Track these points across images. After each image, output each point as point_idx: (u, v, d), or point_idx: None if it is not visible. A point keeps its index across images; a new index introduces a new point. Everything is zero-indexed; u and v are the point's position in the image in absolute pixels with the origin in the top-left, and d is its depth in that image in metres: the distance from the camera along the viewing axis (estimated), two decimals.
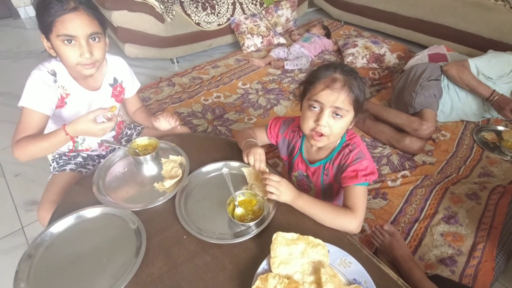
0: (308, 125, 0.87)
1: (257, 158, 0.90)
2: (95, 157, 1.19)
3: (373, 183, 1.51)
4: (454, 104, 1.80)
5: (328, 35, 2.76)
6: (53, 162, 1.14)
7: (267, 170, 0.92)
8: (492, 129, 1.85)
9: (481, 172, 1.60)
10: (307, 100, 0.87)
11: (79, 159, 1.15)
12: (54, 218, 0.84)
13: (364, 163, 0.86)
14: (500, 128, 1.83)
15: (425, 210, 1.39)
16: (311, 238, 0.78)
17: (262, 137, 1.07)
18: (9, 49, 2.92)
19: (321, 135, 0.85)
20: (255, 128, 1.09)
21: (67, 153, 1.15)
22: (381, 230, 1.17)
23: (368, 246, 1.22)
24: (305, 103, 0.88)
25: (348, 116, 0.85)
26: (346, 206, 0.85)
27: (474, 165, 1.65)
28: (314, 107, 0.85)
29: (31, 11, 3.54)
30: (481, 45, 2.39)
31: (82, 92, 1.04)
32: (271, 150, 1.65)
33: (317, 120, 0.84)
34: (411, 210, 1.39)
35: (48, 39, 0.91)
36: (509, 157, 1.68)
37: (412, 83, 1.77)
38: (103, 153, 1.20)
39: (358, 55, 2.38)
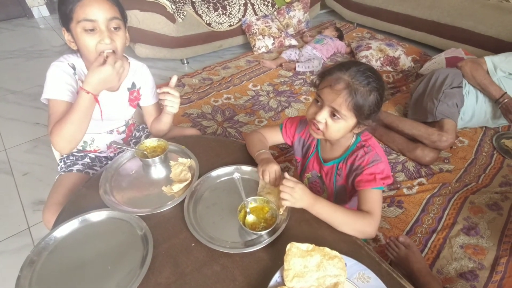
0: (309, 114, 0.86)
1: (273, 177, 0.86)
2: (103, 159, 1.16)
3: (388, 190, 1.46)
4: (475, 111, 1.73)
5: (341, 37, 2.71)
6: (60, 162, 1.11)
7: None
8: None
9: (503, 181, 1.53)
10: (315, 92, 0.85)
11: (87, 159, 1.12)
12: (59, 222, 0.81)
13: (380, 166, 0.82)
14: None
15: (443, 220, 1.33)
16: (327, 249, 0.73)
17: (276, 138, 1.03)
18: (22, 48, 2.95)
19: (318, 128, 0.83)
20: (266, 129, 1.05)
21: (74, 153, 1.12)
22: (396, 242, 1.11)
23: (382, 258, 1.17)
24: (315, 93, 0.86)
25: (348, 121, 0.80)
26: (362, 210, 0.81)
27: (494, 173, 1.57)
28: (317, 101, 0.83)
29: (44, 11, 3.58)
30: (500, 48, 2.30)
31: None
32: (282, 154, 1.60)
33: (316, 114, 0.81)
34: (428, 220, 1.33)
35: (68, 30, 0.89)
36: None
37: (434, 89, 1.70)
38: (111, 155, 1.17)
39: (372, 57, 2.32)
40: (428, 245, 1.23)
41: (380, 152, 0.86)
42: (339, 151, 0.92)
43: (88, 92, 0.86)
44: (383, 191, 1.45)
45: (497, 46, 2.33)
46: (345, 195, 0.96)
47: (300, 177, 1.09)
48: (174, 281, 0.71)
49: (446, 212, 1.36)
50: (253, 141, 1.00)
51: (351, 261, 0.73)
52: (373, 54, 2.32)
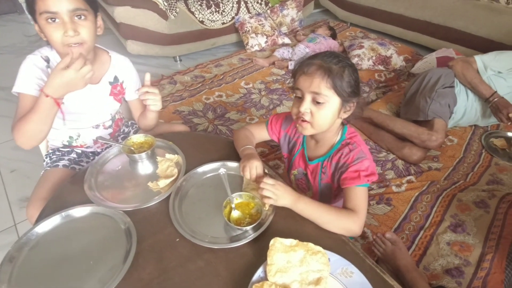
0: (293, 111, 0.86)
1: (253, 173, 0.85)
2: (90, 154, 1.15)
3: (377, 187, 1.46)
4: (466, 109, 1.75)
5: (334, 36, 2.72)
6: (46, 158, 1.10)
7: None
8: (502, 135, 1.79)
9: (490, 179, 1.54)
10: (293, 88, 0.86)
11: (73, 155, 1.11)
12: (42, 217, 0.80)
13: (365, 163, 0.82)
14: (510, 134, 1.77)
15: (431, 217, 1.34)
16: (310, 245, 0.73)
17: (262, 134, 1.03)
18: (13, 44, 2.91)
19: (304, 121, 0.83)
20: (254, 125, 1.05)
21: (60, 148, 1.11)
22: (383, 238, 1.12)
23: (369, 255, 1.17)
24: (293, 89, 0.87)
25: (332, 103, 0.80)
26: (347, 207, 0.81)
27: (482, 171, 1.59)
28: (297, 95, 0.83)
29: None
30: (490, 48, 2.31)
31: None
32: (272, 151, 1.60)
33: (300, 106, 0.82)
34: (416, 217, 1.34)
35: (35, 21, 0.86)
36: None
37: (426, 89, 1.71)
38: (98, 150, 1.16)
39: (364, 56, 2.33)
40: (416, 242, 1.24)
41: (365, 149, 0.86)
42: (324, 149, 0.92)
43: (47, 96, 0.82)
44: (372, 189, 1.46)
45: (487, 46, 2.35)
46: (330, 193, 0.96)
47: (287, 173, 1.09)
48: (157, 276, 0.71)
49: (434, 209, 1.37)
50: (239, 137, 1.00)
51: (334, 257, 0.73)
52: (365, 53, 2.33)
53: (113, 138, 1.18)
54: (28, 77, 0.90)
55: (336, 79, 0.78)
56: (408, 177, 1.53)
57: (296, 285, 0.68)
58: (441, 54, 2.19)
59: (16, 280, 0.66)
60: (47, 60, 0.94)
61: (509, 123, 1.56)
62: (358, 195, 0.81)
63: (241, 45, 2.71)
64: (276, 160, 1.57)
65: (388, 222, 1.31)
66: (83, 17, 0.85)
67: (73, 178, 0.93)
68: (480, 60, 1.70)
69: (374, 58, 2.33)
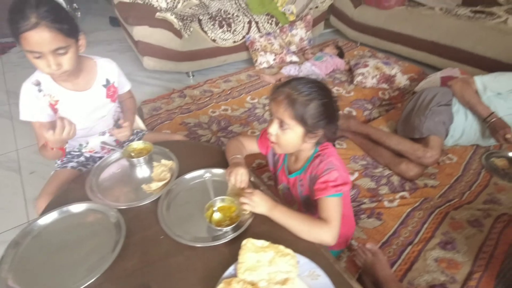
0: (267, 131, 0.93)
1: (237, 179, 0.92)
2: (97, 159, 1.26)
3: (369, 202, 1.49)
4: (465, 129, 1.76)
5: (341, 54, 2.80)
6: (58, 159, 1.22)
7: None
8: (504, 155, 1.77)
9: (487, 198, 1.53)
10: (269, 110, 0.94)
11: (82, 158, 1.23)
12: (47, 210, 0.90)
13: (333, 174, 0.87)
14: (511, 154, 1.76)
15: (421, 233, 1.35)
16: (281, 247, 0.79)
17: (252, 147, 1.10)
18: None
19: (272, 141, 0.90)
20: (246, 137, 1.13)
21: (71, 152, 1.23)
22: (364, 249, 1.15)
23: (355, 266, 1.20)
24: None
25: (295, 130, 0.86)
26: (321, 218, 0.86)
27: (480, 190, 1.58)
28: (271, 116, 0.91)
29: None
30: (498, 69, 2.31)
31: (71, 94, 1.08)
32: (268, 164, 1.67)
33: (269, 128, 0.89)
34: (406, 233, 1.35)
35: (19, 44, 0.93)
36: None
37: (422, 107, 1.75)
38: (105, 155, 1.27)
39: (368, 75, 2.38)
40: (402, 257, 1.25)
41: (335, 160, 0.90)
42: (301, 163, 0.98)
43: (52, 148, 1.02)
44: (364, 203, 1.48)
45: (496, 67, 2.35)
46: (312, 204, 1.02)
47: (276, 188, 1.16)
48: (140, 268, 0.79)
49: (425, 226, 1.38)
50: (230, 147, 1.08)
51: (303, 259, 0.78)
52: (370, 72, 2.39)
53: (118, 145, 1.29)
54: (29, 106, 1.03)
55: (300, 111, 0.84)
56: (402, 193, 1.54)
57: (263, 283, 0.74)
58: (446, 74, 2.21)
59: (18, 262, 0.76)
60: (38, 84, 1.04)
61: (505, 144, 1.56)
62: (330, 205, 0.86)
63: (250, 62, 2.84)
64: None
65: (376, 236, 1.33)
66: (63, 51, 0.93)
67: (78, 178, 1.04)
68: (480, 80, 1.72)
69: (378, 76, 2.38)
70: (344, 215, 0.92)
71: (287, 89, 0.86)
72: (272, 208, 0.85)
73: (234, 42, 2.75)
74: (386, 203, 1.48)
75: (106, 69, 1.17)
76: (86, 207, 0.90)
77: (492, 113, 1.62)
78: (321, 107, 0.85)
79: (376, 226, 1.38)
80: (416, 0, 2.95)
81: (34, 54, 0.90)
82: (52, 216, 0.87)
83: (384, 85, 2.39)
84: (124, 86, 1.27)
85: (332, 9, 3.50)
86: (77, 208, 0.89)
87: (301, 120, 0.84)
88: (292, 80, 0.89)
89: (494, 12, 2.60)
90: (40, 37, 0.87)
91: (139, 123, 1.52)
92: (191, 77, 2.76)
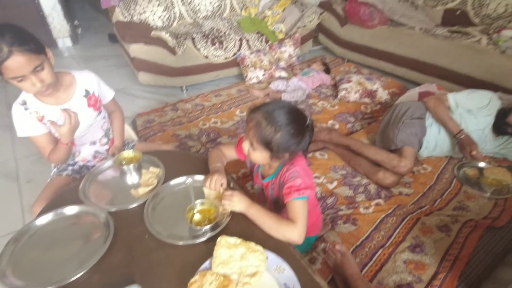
0: None
1: (211, 184, 1.02)
2: (90, 167, 1.37)
3: (346, 209, 1.59)
4: (437, 141, 1.88)
5: (327, 70, 2.95)
6: (54, 167, 1.32)
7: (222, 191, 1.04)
8: (474, 165, 1.89)
9: (457, 205, 1.64)
10: None
11: (76, 166, 1.33)
12: (43, 213, 1.00)
13: (297, 181, 0.98)
14: (482, 165, 1.87)
15: (392, 237, 1.45)
16: (252, 244, 0.88)
17: (231, 154, 1.21)
18: None
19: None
20: (225, 146, 1.24)
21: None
22: (334, 249, 1.24)
23: (329, 267, 1.29)
24: None
25: (262, 153, 0.98)
26: (289, 219, 0.96)
27: (451, 198, 1.69)
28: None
29: (68, 42, 4.00)
30: (474, 85, 2.47)
31: (53, 109, 1.17)
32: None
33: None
34: (379, 237, 1.45)
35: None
36: (488, 194, 1.71)
37: (396, 120, 1.88)
38: (97, 164, 1.37)
39: (351, 90, 2.52)
40: (374, 259, 1.35)
41: (300, 169, 1.01)
42: (272, 170, 1.10)
43: (66, 144, 1.16)
44: (341, 210, 1.58)
45: (470, 83, 2.50)
46: (281, 204, 1.12)
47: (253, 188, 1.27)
48: (126, 262, 0.88)
49: (397, 230, 1.48)
50: (212, 156, 1.18)
51: (271, 255, 0.88)
52: (352, 87, 2.53)
53: (110, 154, 1.40)
54: (22, 124, 1.15)
55: (267, 139, 0.94)
56: (377, 200, 1.65)
57: (235, 276, 0.83)
58: (423, 89, 2.35)
59: (16, 256, 0.86)
60: (24, 103, 1.15)
61: (472, 160, 1.68)
62: (295, 207, 0.96)
63: (241, 77, 2.98)
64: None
65: (351, 239, 1.43)
66: (40, 67, 1.02)
67: (72, 184, 1.14)
68: (453, 98, 1.85)
69: (360, 91, 2.52)
70: (311, 208, 1.04)
71: (258, 116, 0.96)
72: (248, 206, 0.96)
73: (226, 58, 2.89)
74: (362, 210, 1.58)
75: (84, 80, 1.25)
76: (79, 209, 0.99)
77: (461, 130, 1.74)
78: (287, 136, 0.94)
79: (351, 231, 1.47)
80: (397, 20, 3.12)
81: (17, 78, 0.99)
82: (48, 217, 0.96)
83: (366, 99, 2.53)
84: (106, 94, 1.36)
85: (320, 28, 3.68)
86: (70, 210, 0.99)
87: (267, 146, 0.96)
88: (266, 105, 0.98)
89: (470, 32, 2.77)
90: (18, 63, 0.95)
91: (131, 133, 1.63)
92: (185, 91, 2.89)
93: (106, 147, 1.38)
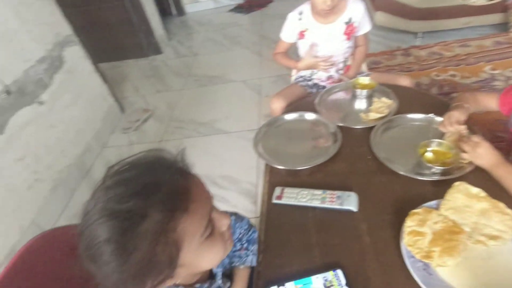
0: None
1: (446, 121, 0.88)
2: (321, 86, 1.51)
3: None
4: None
5: None
6: (295, 75, 1.59)
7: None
8: None
9: None
10: None
11: (310, 83, 1.53)
12: (288, 112, 1.19)
13: None
14: None
15: None
16: (501, 204, 0.72)
17: (488, 102, 0.98)
18: None
19: None
20: (481, 92, 1.01)
21: (302, 75, 1.55)
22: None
23: None
24: None
25: None
26: None
27: None
28: None
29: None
30: None
31: (317, 26, 1.35)
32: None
33: None
34: None
35: None
36: None
37: None
38: (328, 86, 1.48)
39: None
40: None
41: None
42: None
43: (295, 66, 1.44)
44: None
45: None
46: None
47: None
48: (346, 173, 0.93)
49: None
50: (458, 98, 1.00)
51: None
52: None
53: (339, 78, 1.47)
54: (287, 30, 1.43)
55: None
56: None
57: (466, 229, 0.71)
58: None
59: (266, 135, 1.09)
60: (301, 13, 1.37)
61: None
62: None
63: (501, 27, 2.28)
64: None
65: None
66: None
67: (309, 95, 1.30)
68: None
69: None
70: None
71: None
72: (496, 164, 0.77)
73: (489, 0, 2.26)
74: None
75: (353, 9, 1.34)
76: (315, 117, 1.12)
77: None
78: None
79: None
80: None
81: None
82: (293, 116, 1.15)
83: None
84: (363, 27, 1.41)
85: None
86: (309, 116, 1.14)
87: None
88: None
89: None
90: None
91: (364, 69, 1.63)
92: (420, 38, 2.54)
93: (341, 72, 1.46)
